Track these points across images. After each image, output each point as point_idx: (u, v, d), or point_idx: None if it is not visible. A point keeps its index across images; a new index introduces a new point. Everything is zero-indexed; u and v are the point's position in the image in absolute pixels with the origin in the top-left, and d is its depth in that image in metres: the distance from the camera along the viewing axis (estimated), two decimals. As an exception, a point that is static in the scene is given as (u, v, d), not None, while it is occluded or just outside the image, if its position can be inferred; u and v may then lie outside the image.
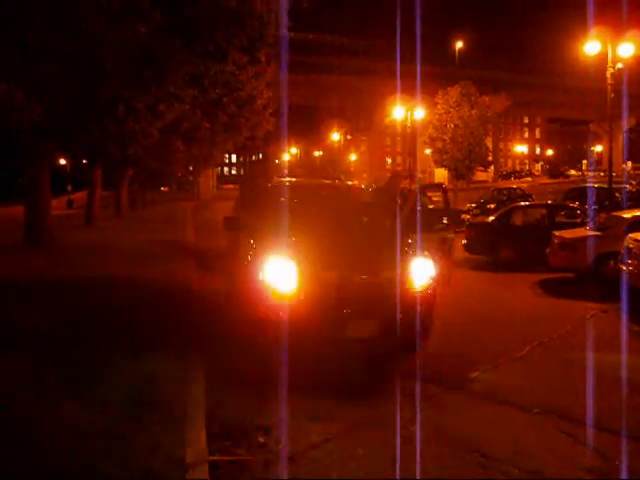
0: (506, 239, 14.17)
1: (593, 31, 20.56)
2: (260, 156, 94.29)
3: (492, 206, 26.19)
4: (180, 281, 10.39)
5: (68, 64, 10.35)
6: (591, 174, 58.78)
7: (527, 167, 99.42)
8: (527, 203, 19.92)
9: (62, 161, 45.52)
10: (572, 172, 77.29)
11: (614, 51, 20.14)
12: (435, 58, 55.78)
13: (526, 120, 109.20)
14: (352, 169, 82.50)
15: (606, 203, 19.58)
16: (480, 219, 18.57)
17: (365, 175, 70.49)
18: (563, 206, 16.46)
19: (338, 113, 78.02)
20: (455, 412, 5.07)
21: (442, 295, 7.19)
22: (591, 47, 20.44)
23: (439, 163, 46.90)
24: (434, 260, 6.90)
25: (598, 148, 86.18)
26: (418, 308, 6.08)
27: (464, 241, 14.58)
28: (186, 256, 14.25)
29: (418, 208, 8.76)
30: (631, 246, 9.27)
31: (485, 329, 7.94)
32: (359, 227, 7.36)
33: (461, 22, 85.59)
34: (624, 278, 9.14)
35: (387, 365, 6.29)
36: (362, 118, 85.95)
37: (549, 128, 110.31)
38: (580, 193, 23.84)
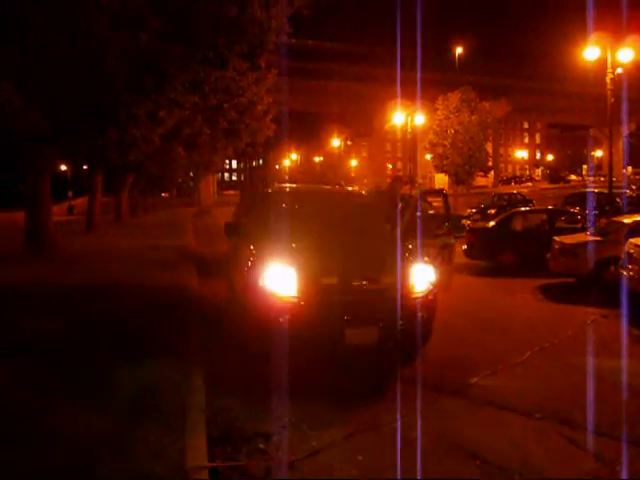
0: (507, 244, 14.18)
1: (593, 36, 20.60)
2: (261, 162, 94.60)
3: (492, 211, 26.26)
4: (181, 287, 10.39)
5: (68, 65, 10.36)
6: (591, 179, 58.96)
7: (527, 172, 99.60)
8: (527, 208, 19.97)
9: (63, 167, 45.65)
10: (572, 177, 77.33)
11: (614, 56, 20.17)
12: (435, 64, 56.01)
13: (526, 125, 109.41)
14: (353, 175, 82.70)
15: (606, 208, 19.56)
16: (480, 224, 18.60)
17: (366, 181, 70.51)
18: (563, 211, 16.50)
19: (338, 119, 78.12)
20: (456, 417, 5.06)
21: (443, 300, 7.18)
22: (591, 52, 20.46)
23: (439, 168, 47.05)
24: (434, 266, 6.91)
25: (598, 153, 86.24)
26: (418, 314, 6.08)
27: (464, 246, 14.59)
28: (187, 262, 14.25)
29: (418, 214, 8.78)
30: (631, 251, 9.27)
31: (486, 334, 7.94)
32: (359, 233, 7.35)
33: (461, 28, 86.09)
34: (625, 283, 9.14)
35: (387, 371, 6.27)
36: (362, 124, 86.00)
37: (549, 133, 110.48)
38: (580, 198, 23.84)
